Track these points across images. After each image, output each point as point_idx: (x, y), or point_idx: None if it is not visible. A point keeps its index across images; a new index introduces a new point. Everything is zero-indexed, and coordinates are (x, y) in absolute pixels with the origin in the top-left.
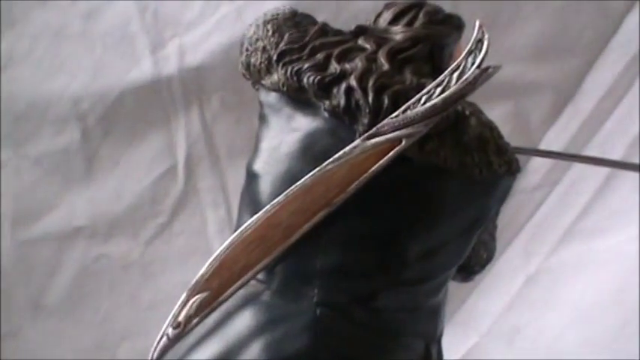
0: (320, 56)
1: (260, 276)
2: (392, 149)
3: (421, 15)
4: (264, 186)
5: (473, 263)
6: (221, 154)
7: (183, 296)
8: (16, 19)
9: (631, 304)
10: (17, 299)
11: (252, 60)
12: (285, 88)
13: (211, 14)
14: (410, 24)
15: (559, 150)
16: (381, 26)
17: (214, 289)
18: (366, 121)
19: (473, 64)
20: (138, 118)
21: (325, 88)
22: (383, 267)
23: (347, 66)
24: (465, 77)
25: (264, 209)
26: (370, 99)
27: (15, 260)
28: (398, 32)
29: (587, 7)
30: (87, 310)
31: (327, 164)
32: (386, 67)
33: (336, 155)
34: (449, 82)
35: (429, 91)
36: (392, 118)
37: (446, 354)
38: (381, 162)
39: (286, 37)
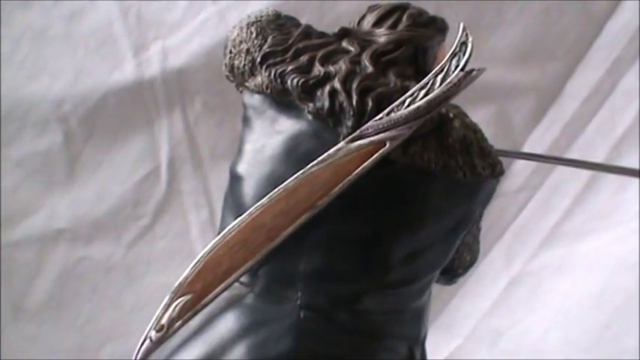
0: (304, 59)
1: (243, 279)
2: (376, 152)
3: (405, 17)
4: (248, 188)
5: (456, 266)
6: (204, 156)
7: (166, 299)
8: None
9: (613, 306)
10: None
11: (236, 62)
12: (268, 91)
13: (194, 16)
14: (394, 26)
15: (542, 152)
16: (364, 29)
17: (197, 292)
18: (350, 123)
19: (457, 66)
20: (120, 120)
21: (309, 91)
22: (366, 269)
23: (331, 68)
24: (448, 80)
25: (248, 212)
26: (354, 101)
27: None
28: (382, 35)
29: (570, 9)
30: (69, 312)
31: (311, 167)
32: (370, 69)
33: (320, 158)
34: (433, 84)
35: (412, 94)
36: (376, 120)
37: (429, 356)
38: (364, 164)
39: (270, 39)
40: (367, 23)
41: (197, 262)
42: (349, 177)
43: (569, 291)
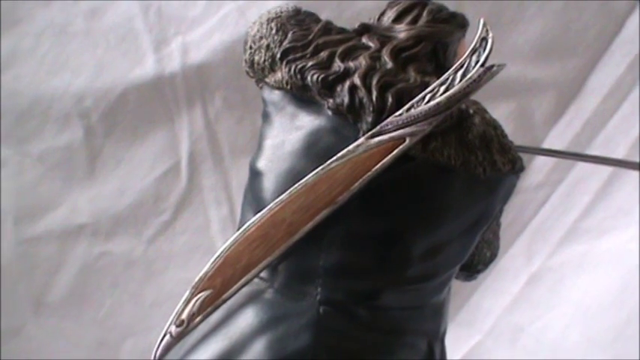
0: (324, 54)
1: (263, 274)
2: (395, 148)
3: (425, 13)
4: (268, 184)
5: (476, 262)
6: (224, 152)
7: (187, 294)
8: (20, 17)
9: (633, 303)
10: (19, 297)
11: (256, 58)
12: (288, 86)
13: (214, 12)
14: (414, 22)
15: (562, 149)
16: (384, 24)
17: (217, 287)
18: (369, 119)
19: (477, 62)
20: (141, 116)
21: (329, 87)
22: (386, 265)
23: (351, 64)
24: (469, 76)
25: (268, 207)
26: (374, 97)
27: (17, 258)
28: (402, 30)
29: (591, 6)
30: (89, 307)
31: (331, 162)
32: (390, 65)
33: (340, 153)
34: (453, 80)
35: (432, 90)
36: (396, 116)
37: (449, 353)
38: (384, 160)
39: (290, 35)
40: (387, 19)
41: (217, 257)
42: (369, 173)
43: (590, 288)
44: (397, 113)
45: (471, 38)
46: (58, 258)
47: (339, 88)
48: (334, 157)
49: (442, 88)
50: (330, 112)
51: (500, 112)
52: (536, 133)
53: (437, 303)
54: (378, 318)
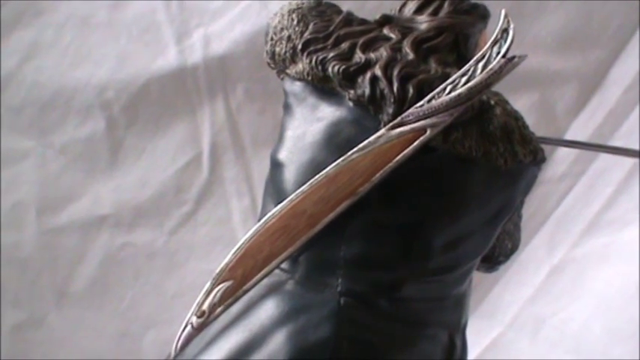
0: (345, 45)
1: (284, 265)
2: (416, 139)
3: (446, 4)
4: (289, 175)
5: (497, 253)
6: (246, 143)
7: (208, 285)
8: (42, 9)
9: None
10: (42, 287)
11: (277, 49)
12: (309, 78)
13: (236, 3)
14: (435, 13)
15: (585, 140)
16: (405, 15)
17: (238, 278)
18: (390, 110)
19: (498, 53)
20: (163, 107)
21: (350, 78)
22: (407, 257)
23: (372, 55)
24: (490, 67)
25: (289, 198)
26: (395, 88)
27: (40, 249)
28: (423, 21)
29: None
30: (112, 298)
31: (352, 153)
32: (411, 56)
33: (361, 145)
34: (474, 71)
35: (454, 81)
36: (417, 107)
37: (470, 344)
38: (405, 151)
39: (311, 26)
40: (408, 10)
41: (238, 248)
42: (390, 164)
43: (612, 279)
44: (418, 104)
45: (493, 29)
46: (80, 249)
47: (360, 80)
48: (355, 149)
49: (463, 79)
50: (351, 104)
51: (522, 103)
52: (559, 124)
53: (458, 295)
54: (399, 309)
